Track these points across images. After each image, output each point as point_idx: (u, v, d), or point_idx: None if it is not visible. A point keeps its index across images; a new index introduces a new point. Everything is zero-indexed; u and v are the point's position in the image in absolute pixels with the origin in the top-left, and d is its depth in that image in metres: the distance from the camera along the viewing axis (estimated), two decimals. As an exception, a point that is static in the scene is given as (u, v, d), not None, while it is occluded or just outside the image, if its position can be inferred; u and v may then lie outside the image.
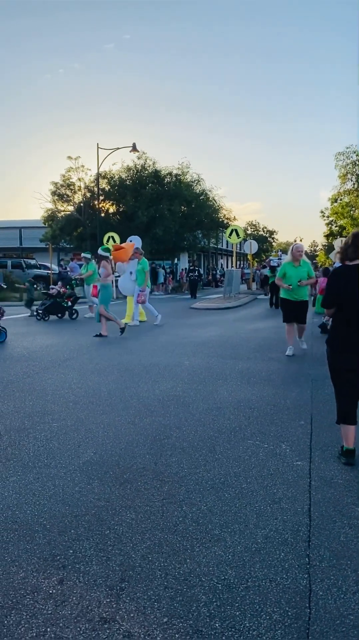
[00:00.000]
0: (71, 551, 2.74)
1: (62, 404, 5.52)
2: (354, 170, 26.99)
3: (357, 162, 26.63)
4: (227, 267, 45.04)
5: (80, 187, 31.41)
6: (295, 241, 40.65)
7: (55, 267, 29.53)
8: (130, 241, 14.90)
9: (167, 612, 2.26)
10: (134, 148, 25.44)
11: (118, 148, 25.66)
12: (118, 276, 15.16)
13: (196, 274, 26.28)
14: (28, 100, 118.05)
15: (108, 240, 24.05)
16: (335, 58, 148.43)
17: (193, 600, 2.35)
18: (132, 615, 2.24)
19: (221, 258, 62.43)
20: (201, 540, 2.86)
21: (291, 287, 8.37)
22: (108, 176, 31.42)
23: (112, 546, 2.79)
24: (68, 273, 25.39)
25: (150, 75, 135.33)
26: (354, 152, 26.39)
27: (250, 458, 4.05)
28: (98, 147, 25.49)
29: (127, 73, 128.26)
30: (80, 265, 27.04)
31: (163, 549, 2.77)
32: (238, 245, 40.56)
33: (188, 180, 32.36)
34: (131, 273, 13.62)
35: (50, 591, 2.40)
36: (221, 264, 59.02)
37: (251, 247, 30.11)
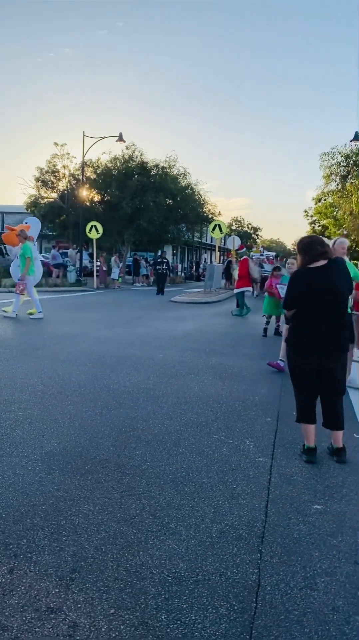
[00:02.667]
0: (24, 540, 2.73)
1: (30, 393, 5.48)
2: (338, 171, 27.19)
3: (341, 163, 26.84)
4: (210, 262, 45.06)
5: (64, 174, 31.10)
6: (331, 237, 37.93)
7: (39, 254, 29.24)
8: (26, 223, 13.68)
9: (114, 604, 2.27)
10: (120, 138, 25.27)
11: (104, 137, 25.49)
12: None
13: (165, 266, 23.22)
14: (17, 83, 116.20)
15: (90, 230, 23.90)
16: (329, 58, 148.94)
17: (142, 592, 2.36)
18: (79, 605, 2.25)
19: (206, 252, 62.51)
20: (156, 533, 2.87)
21: None
22: (95, 165, 31.17)
23: (66, 537, 2.79)
24: (51, 261, 25.29)
25: (142, 64, 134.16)
26: (339, 153, 26.59)
27: (214, 453, 4.08)
28: (84, 135, 25.27)
29: (119, 60, 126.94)
30: (62, 255, 26.95)
31: (117, 540, 2.78)
32: (222, 240, 40.63)
33: (175, 173, 32.26)
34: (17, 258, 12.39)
35: (-1, 580, 2.40)
36: (205, 259, 59.09)
37: (234, 242, 30.18)
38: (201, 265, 45.33)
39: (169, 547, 2.74)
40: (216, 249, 27.51)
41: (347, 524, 3.08)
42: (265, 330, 10.57)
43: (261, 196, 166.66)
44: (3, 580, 2.39)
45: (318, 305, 3.81)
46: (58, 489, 3.33)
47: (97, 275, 25.15)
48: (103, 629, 2.11)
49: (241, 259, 14.64)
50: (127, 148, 30.62)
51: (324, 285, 3.78)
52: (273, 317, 10.31)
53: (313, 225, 44.96)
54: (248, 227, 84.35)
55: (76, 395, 5.50)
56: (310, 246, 3.90)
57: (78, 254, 26.40)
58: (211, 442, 4.30)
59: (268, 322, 10.52)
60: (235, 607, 2.29)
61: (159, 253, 40.27)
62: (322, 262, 3.84)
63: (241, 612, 2.26)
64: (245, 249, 21.88)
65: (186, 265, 49.15)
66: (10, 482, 3.40)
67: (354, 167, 26.30)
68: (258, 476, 3.69)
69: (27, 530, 2.83)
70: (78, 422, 4.63)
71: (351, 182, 26.45)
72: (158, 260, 24.40)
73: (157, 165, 31.48)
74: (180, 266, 47.55)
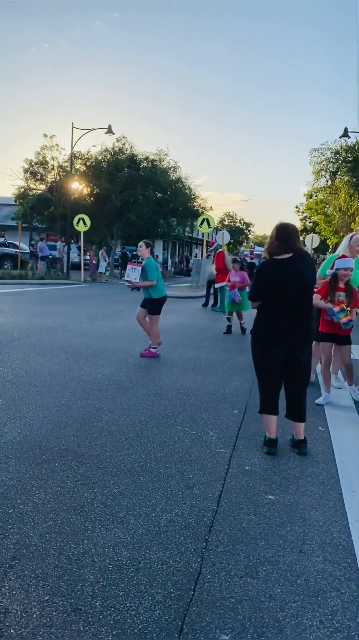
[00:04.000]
0: (-32, 528, 2.71)
1: (-1, 383, 5.45)
2: (328, 167, 27.21)
3: (331, 160, 26.86)
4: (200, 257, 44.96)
5: (53, 166, 30.87)
6: (321, 233, 36.27)
7: (24, 246, 29.07)
8: None
9: (50, 591, 2.26)
10: (110, 130, 25.11)
11: (93, 129, 25.33)
12: None
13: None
14: (9, 73, 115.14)
15: (78, 222, 23.77)
16: (321, 54, 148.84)
17: (80, 579, 2.35)
18: (14, 592, 2.24)
19: (197, 247, 62.42)
20: (104, 522, 2.87)
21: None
22: (84, 157, 30.97)
23: (12, 525, 2.78)
24: (38, 253, 25.13)
25: (136, 56, 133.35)
26: (329, 149, 26.61)
27: (175, 444, 4.08)
28: (73, 127, 25.08)
29: (113, 52, 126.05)
30: (50, 246, 26.79)
31: (63, 529, 2.77)
32: (211, 235, 40.59)
33: (165, 166, 32.12)
34: None
35: None
36: (196, 254, 59.01)
37: (224, 237, 30.18)
38: (191, 261, 45.28)
39: (115, 535, 2.74)
40: (204, 243, 27.47)
41: (298, 514, 3.09)
42: (229, 327, 10.26)
43: (255, 192, 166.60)
44: None
45: (284, 297, 3.80)
46: (11, 478, 3.32)
47: (85, 269, 25.05)
48: (34, 615, 2.11)
49: (217, 252, 14.59)
50: (117, 140, 30.48)
51: (290, 276, 3.77)
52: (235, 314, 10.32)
53: (304, 221, 45.06)
54: (240, 223, 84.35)
55: (45, 386, 5.48)
56: (293, 237, 3.86)
57: (66, 246, 26.26)
58: (174, 434, 4.30)
59: (229, 319, 10.29)
60: (172, 595, 2.29)
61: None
62: (287, 255, 3.83)
63: (177, 599, 2.26)
64: (216, 244, 21.62)
65: (176, 260, 49.08)
66: (-36, 470, 3.38)
67: (344, 164, 26.33)
68: (216, 467, 3.69)
69: (-27, 518, 2.82)
70: (43, 413, 4.61)
71: (340, 179, 26.49)
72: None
73: (147, 158, 31.34)
74: (170, 261, 47.50)
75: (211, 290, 15.56)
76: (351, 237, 5.88)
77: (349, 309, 5.26)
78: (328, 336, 5.46)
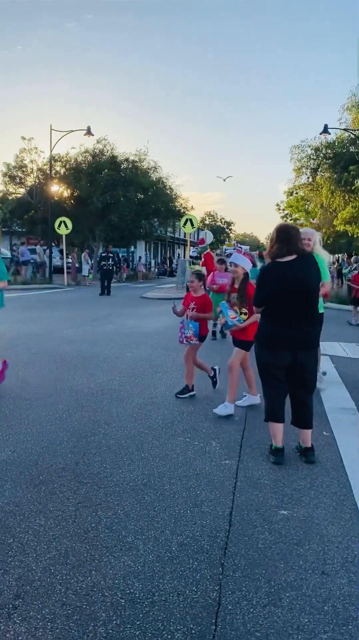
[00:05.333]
0: (-35, 564, 2.50)
1: (-12, 397, 5.21)
2: (308, 164, 27.18)
3: (312, 156, 26.83)
4: (182, 257, 44.83)
5: (32, 169, 30.43)
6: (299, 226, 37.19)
7: (5, 250, 28.60)
8: None
9: (60, 634, 2.07)
10: (89, 131, 24.80)
11: (72, 131, 24.96)
12: None
13: (111, 261, 20.50)
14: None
15: (59, 226, 23.44)
16: (299, 50, 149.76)
17: (91, 618, 2.16)
18: (20, 638, 2.04)
19: (179, 248, 62.26)
20: (111, 548, 2.67)
21: None
22: (64, 159, 30.60)
23: (13, 557, 2.57)
24: (19, 258, 24.73)
25: (111, 56, 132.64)
26: (309, 146, 26.58)
27: (178, 456, 3.90)
28: (51, 129, 24.72)
29: (87, 53, 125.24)
30: (31, 250, 26.40)
31: (68, 559, 2.57)
32: (194, 235, 40.47)
33: (145, 167, 31.90)
34: None
35: None
36: (179, 254, 58.86)
37: (207, 237, 30.08)
38: (174, 261, 45.12)
39: (124, 564, 2.55)
40: (188, 243, 27.31)
41: (314, 530, 2.93)
42: (214, 333, 9.26)
43: (234, 191, 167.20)
44: None
45: (289, 300, 3.64)
46: (8, 503, 3.10)
47: (68, 272, 24.72)
48: (45, 665, 1.91)
49: (205, 253, 14.34)
50: (98, 142, 30.17)
51: (295, 279, 3.61)
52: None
53: (285, 218, 45.12)
54: (221, 222, 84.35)
55: (36, 399, 5.25)
56: (295, 238, 3.70)
57: (47, 250, 25.89)
58: (175, 445, 4.11)
59: (215, 324, 8.99)
60: (193, 632, 2.11)
61: (131, 249, 39.88)
62: (291, 257, 3.68)
63: (199, 636, 2.08)
64: (206, 243, 21.09)
65: (159, 261, 48.88)
66: None
67: (324, 160, 26.33)
68: (223, 480, 3.52)
69: (-30, 551, 2.60)
70: (36, 428, 4.40)
71: (321, 175, 26.48)
72: (103, 255, 21.17)
73: (127, 159, 31.08)
74: (153, 262, 47.28)
75: None
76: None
77: (239, 310, 4.87)
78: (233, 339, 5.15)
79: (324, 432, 4.52)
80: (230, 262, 5.20)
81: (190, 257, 17.34)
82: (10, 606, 2.21)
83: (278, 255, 3.70)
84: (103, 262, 20.14)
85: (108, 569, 2.50)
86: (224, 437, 4.34)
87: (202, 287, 5.71)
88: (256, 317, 4.48)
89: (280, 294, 3.64)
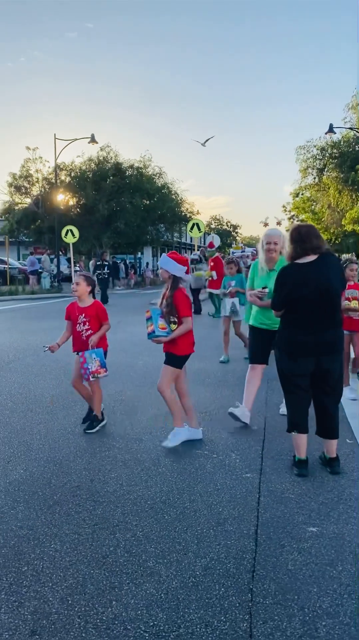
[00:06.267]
0: (-22, 596, 2.35)
1: (-2, 412, 5.08)
2: (314, 164, 27.05)
3: (317, 156, 26.70)
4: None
5: (38, 178, 30.50)
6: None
7: (13, 261, 28.64)
8: None
9: (80, 675, 1.91)
10: (93, 139, 24.77)
11: (76, 139, 24.95)
12: None
13: (106, 269, 19.20)
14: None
15: (66, 234, 23.40)
16: (300, 51, 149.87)
17: (113, 656, 2.00)
18: None
19: (186, 252, 62.21)
20: (132, 575, 2.51)
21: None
22: (69, 168, 30.66)
23: (27, 587, 2.42)
24: (28, 268, 24.72)
25: (112, 64, 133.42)
26: (315, 146, 26.46)
27: (197, 471, 3.73)
28: (55, 138, 24.73)
29: (90, 62, 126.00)
30: (39, 260, 26.39)
31: (87, 588, 2.41)
32: (201, 239, 40.33)
33: (150, 173, 31.88)
34: None
35: None
36: (203, 256, 58.59)
37: (215, 241, 29.94)
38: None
39: (146, 592, 2.38)
40: (195, 248, 27.18)
41: (346, 548, 2.75)
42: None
43: (239, 194, 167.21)
44: None
45: (310, 304, 3.47)
46: (22, 527, 2.95)
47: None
48: None
49: (214, 257, 14.12)
50: (102, 149, 30.19)
51: (316, 281, 3.44)
52: None
53: (291, 220, 44.89)
54: (227, 225, 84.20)
55: (47, 412, 5.11)
56: (307, 237, 3.54)
57: (55, 259, 25.87)
58: (193, 459, 3.95)
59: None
60: (224, 669, 1.94)
61: (138, 255, 39.81)
62: (312, 257, 3.51)
63: (231, 674, 1.92)
64: (215, 247, 20.58)
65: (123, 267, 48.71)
66: (-33, 521, 3.01)
67: (330, 160, 26.16)
68: (246, 496, 3.35)
69: (-18, 582, 2.45)
70: (49, 444, 4.25)
71: (328, 175, 26.33)
72: (98, 263, 19.98)
73: (132, 166, 31.08)
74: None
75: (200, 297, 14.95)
76: (263, 238, 4.62)
77: (169, 320, 4.17)
78: None
79: (347, 440, 4.34)
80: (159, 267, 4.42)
81: (191, 260, 16.20)
82: (27, 644, 2.05)
83: (294, 256, 3.54)
84: (98, 271, 19.06)
85: (129, 598, 2.34)
86: (243, 448, 4.17)
87: (91, 293, 4.70)
88: (186, 328, 4.09)
89: (299, 298, 3.47)
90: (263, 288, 4.45)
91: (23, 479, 3.57)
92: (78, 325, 4.58)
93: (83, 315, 4.56)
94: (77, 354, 4.62)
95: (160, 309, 4.20)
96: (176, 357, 4.18)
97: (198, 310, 14.89)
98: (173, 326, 4.15)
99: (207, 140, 23.01)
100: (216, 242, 27.15)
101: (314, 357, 3.50)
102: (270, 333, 4.41)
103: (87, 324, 4.56)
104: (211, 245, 19.57)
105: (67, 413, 5.07)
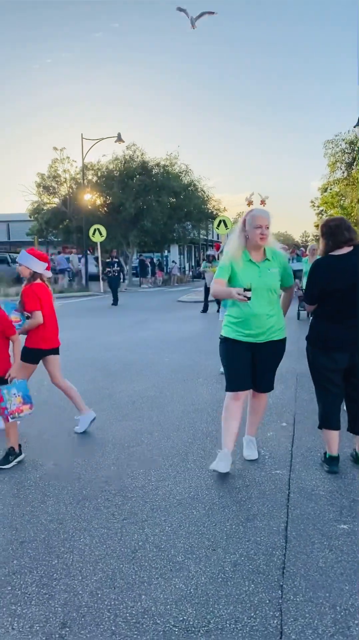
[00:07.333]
0: (9, 588, 2.38)
1: (28, 408, 5.14)
2: (343, 158, 26.62)
3: (346, 150, 26.27)
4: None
5: (65, 179, 30.84)
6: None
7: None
8: None
9: (110, 668, 1.91)
10: (119, 138, 24.91)
11: (102, 138, 25.13)
12: None
13: (116, 268, 18.02)
14: (16, 91, 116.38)
15: (94, 233, 23.60)
16: (327, 49, 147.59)
17: (143, 650, 2.00)
18: (68, 672, 1.89)
19: (212, 250, 61.96)
20: (161, 569, 2.51)
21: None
22: (95, 167, 30.90)
23: (58, 580, 2.43)
24: (56, 267, 25.03)
25: (139, 63, 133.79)
26: (343, 140, 26.03)
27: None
28: (82, 138, 24.96)
29: (116, 62, 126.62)
30: (67, 259, 26.69)
31: (116, 582, 2.42)
32: (228, 237, 40.06)
33: (176, 171, 31.87)
34: None
35: (-24, 642, 2.04)
36: (217, 255, 58.46)
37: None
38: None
39: (176, 587, 2.38)
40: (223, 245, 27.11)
41: (379, 546, 2.69)
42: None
43: (266, 190, 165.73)
44: (-20, 643, 2.04)
45: (344, 297, 3.40)
46: (51, 520, 2.98)
47: (103, 279, 24.83)
48: None
49: None
50: (128, 148, 30.32)
51: (350, 274, 3.37)
52: None
53: (320, 215, 44.26)
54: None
55: (75, 408, 5.14)
56: (336, 230, 3.47)
57: (83, 258, 26.12)
58: (222, 455, 3.92)
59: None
60: (254, 665, 1.92)
61: (165, 253, 39.87)
62: (346, 250, 3.45)
63: (261, 671, 1.89)
64: (222, 247, 19.82)
65: (193, 264, 48.74)
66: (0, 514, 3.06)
67: (359, 154, 25.73)
68: (275, 492, 3.31)
69: (14, 574, 2.48)
70: (78, 439, 4.29)
71: (358, 169, 25.87)
72: (107, 260, 18.98)
73: (158, 164, 31.12)
74: (187, 265, 47.18)
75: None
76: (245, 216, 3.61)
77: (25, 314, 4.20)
78: None
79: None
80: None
81: (207, 256, 15.53)
82: (57, 636, 2.07)
83: (326, 250, 3.48)
84: (107, 269, 18.16)
85: (158, 592, 2.34)
86: (273, 444, 4.13)
87: None
88: (34, 322, 4.08)
89: (332, 291, 3.40)
90: (246, 290, 3.29)
91: (53, 474, 3.61)
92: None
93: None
94: None
95: (15, 303, 4.27)
96: (25, 349, 4.17)
97: (205, 309, 14.35)
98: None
99: (200, 17, 16.56)
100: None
101: (348, 352, 3.43)
102: (255, 347, 3.52)
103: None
104: (217, 246, 18.66)
105: (96, 408, 5.08)
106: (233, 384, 3.62)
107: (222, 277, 3.51)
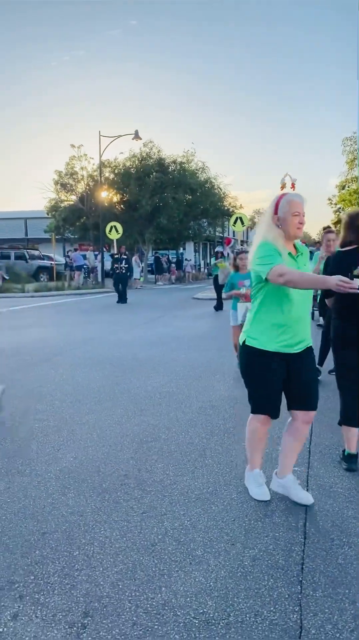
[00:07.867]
0: (32, 577, 2.42)
1: (47, 402, 5.21)
2: (361, 155, 26.37)
3: (365, 148, 26.03)
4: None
5: (83, 176, 30.97)
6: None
7: (59, 257, 29.23)
8: None
9: (132, 657, 1.94)
10: (137, 135, 24.96)
11: (120, 136, 25.22)
12: None
13: (124, 264, 17.29)
14: (33, 88, 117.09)
15: (110, 230, 23.70)
16: (349, 45, 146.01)
17: (164, 640, 2.03)
18: (91, 660, 1.93)
19: (222, 246, 61.76)
20: (180, 562, 2.53)
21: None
22: (112, 165, 30.99)
23: (79, 571, 2.47)
24: (73, 264, 25.20)
25: (157, 61, 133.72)
26: (362, 137, 25.79)
27: (243, 463, 3.70)
28: (100, 135, 25.06)
29: (133, 60, 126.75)
30: (84, 256, 26.84)
31: (136, 574, 2.45)
32: (244, 234, 40.03)
33: (193, 168, 31.83)
34: None
35: (1, 629, 2.09)
36: (228, 253, 58.34)
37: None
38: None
39: (195, 580, 2.40)
40: (239, 242, 27.02)
41: None
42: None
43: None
44: (4, 629, 2.08)
45: (351, 294, 3.38)
46: (72, 512, 3.02)
47: (110, 275, 24.95)
48: None
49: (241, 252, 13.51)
50: (144, 145, 30.35)
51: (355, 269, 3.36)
52: None
53: (337, 213, 43.89)
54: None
55: (95, 402, 5.20)
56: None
57: (99, 255, 26.25)
58: (240, 452, 3.93)
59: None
60: (275, 658, 1.93)
61: (181, 250, 39.85)
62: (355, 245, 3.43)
63: (282, 664, 1.91)
64: (232, 242, 19.23)
65: (208, 262, 48.67)
66: (21, 506, 3.11)
67: (378, 151, 25.47)
68: (294, 489, 3.31)
69: (36, 564, 2.53)
70: (97, 433, 4.33)
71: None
72: (116, 256, 18.38)
73: (174, 161, 31.10)
74: (202, 262, 47.12)
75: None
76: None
77: None
78: None
79: None
80: None
81: (215, 252, 15.13)
82: (79, 625, 2.10)
83: (342, 244, 3.48)
84: (115, 265, 17.42)
85: (178, 585, 2.36)
86: (290, 441, 4.12)
87: None
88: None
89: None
90: (356, 277, 2.85)
91: (73, 467, 3.65)
92: None
93: None
94: None
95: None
96: None
97: (219, 307, 13.91)
98: None
99: None
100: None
101: None
102: (290, 358, 2.95)
103: None
104: (228, 241, 18.30)
105: (114, 404, 5.15)
106: (268, 406, 3.04)
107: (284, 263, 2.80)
